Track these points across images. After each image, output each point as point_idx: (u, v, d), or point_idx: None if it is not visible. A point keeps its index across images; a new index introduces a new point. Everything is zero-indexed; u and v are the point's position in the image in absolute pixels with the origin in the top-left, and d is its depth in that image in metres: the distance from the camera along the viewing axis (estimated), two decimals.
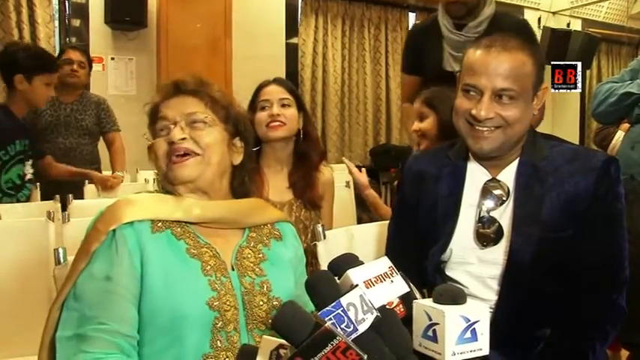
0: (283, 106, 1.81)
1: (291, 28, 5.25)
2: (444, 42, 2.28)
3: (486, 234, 1.32)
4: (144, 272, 1.01)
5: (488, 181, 1.35)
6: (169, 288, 1.01)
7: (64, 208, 2.31)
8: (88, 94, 3.34)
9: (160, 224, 1.07)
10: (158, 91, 1.18)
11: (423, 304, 0.77)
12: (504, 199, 1.32)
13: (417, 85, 2.47)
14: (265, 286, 1.10)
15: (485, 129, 1.27)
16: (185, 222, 1.10)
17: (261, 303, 1.08)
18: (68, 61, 3.17)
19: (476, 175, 1.37)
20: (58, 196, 2.40)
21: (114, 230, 1.03)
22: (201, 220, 1.10)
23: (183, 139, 1.09)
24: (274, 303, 1.08)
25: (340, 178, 3.33)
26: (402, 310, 0.75)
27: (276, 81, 1.86)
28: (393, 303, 0.74)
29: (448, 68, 2.26)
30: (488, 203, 1.33)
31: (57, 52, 4.32)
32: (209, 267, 1.06)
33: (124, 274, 1.00)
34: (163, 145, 1.11)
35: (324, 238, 1.59)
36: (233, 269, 1.09)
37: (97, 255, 1.02)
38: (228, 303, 1.04)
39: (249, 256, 1.13)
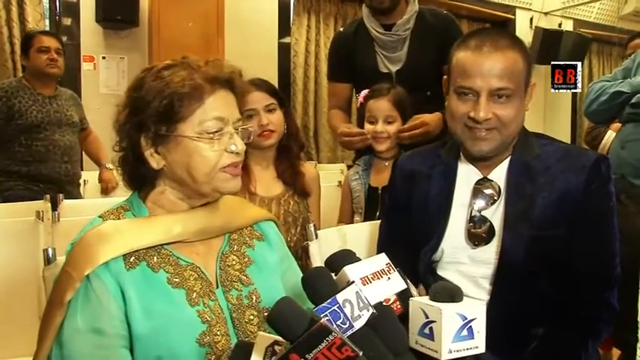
0: (269, 111, 1.81)
1: (284, 28, 5.24)
2: (375, 45, 2.26)
3: (477, 233, 1.31)
4: (128, 314, 0.93)
5: (479, 180, 1.34)
6: (156, 329, 0.93)
7: (54, 207, 2.29)
8: (59, 87, 3.04)
9: (132, 259, 0.96)
10: (192, 73, 0.99)
11: (420, 302, 0.76)
12: (495, 198, 1.32)
13: (349, 92, 2.45)
14: (254, 297, 1.03)
15: (483, 131, 1.27)
16: (163, 245, 0.99)
17: (252, 317, 1.01)
18: (44, 49, 2.84)
19: (467, 174, 1.36)
20: (48, 196, 2.37)
21: (87, 275, 0.92)
22: (183, 237, 1.00)
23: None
24: (265, 314, 1.01)
25: (332, 177, 3.34)
26: (399, 306, 0.74)
27: (257, 85, 1.83)
28: (389, 300, 0.73)
29: (384, 70, 2.25)
30: (479, 203, 1.32)
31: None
32: (195, 294, 0.98)
33: (114, 322, 0.92)
34: (216, 152, 0.99)
35: (317, 237, 1.58)
36: (218, 286, 1.02)
37: (75, 306, 0.92)
38: (219, 333, 0.96)
39: (233, 262, 1.05)
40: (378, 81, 2.14)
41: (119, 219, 1.01)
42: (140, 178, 1.04)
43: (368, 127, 2.00)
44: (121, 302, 0.93)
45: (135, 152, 1.00)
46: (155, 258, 0.98)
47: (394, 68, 2.25)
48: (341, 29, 2.59)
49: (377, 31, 2.23)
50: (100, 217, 1.02)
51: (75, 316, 0.92)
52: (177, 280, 0.98)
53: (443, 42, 2.12)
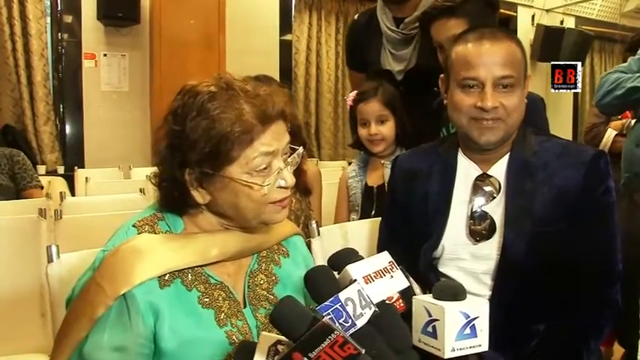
0: None
1: (285, 25, 5.25)
2: (383, 39, 2.23)
3: (478, 230, 1.31)
4: (156, 333, 0.91)
5: (478, 176, 1.34)
6: (184, 347, 0.91)
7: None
8: None
9: (167, 276, 0.93)
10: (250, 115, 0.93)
11: (423, 300, 0.76)
12: (495, 195, 1.32)
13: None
14: None
15: (490, 120, 1.28)
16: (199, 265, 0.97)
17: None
18: None
19: (466, 170, 1.37)
20: (50, 192, 2.38)
21: (123, 294, 0.89)
22: (220, 258, 0.98)
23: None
24: None
25: (334, 175, 3.32)
26: (402, 305, 0.74)
27: (261, 82, 1.82)
28: (392, 298, 0.73)
29: (387, 67, 2.22)
30: (479, 200, 1.33)
31: (49, 48, 4.31)
32: (223, 315, 0.96)
33: (139, 340, 0.90)
34: (262, 189, 0.94)
35: (319, 234, 1.58)
36: (245, 305, 1.01)
37: (105, 323, 0.90)
38: None
39: (261, 282, 1.04)
40: (383, 76, 2.12)
41: (154, 230, 0.99)
42: (182, 206, 1.00)
43: (361, 130, 1.99)
44: (151, 321, 0.91)
45: (179, 188, 0.96)
46: (190, 276, 0.96)
47: (397, 67, 2.23)
48: (356, 17, 2.58)
49: (386, 26, 2.22)
50: (133, 226, 0.99)
51: (102, 333, 0.90)
52: (207, 300, 0.96)
53: None
